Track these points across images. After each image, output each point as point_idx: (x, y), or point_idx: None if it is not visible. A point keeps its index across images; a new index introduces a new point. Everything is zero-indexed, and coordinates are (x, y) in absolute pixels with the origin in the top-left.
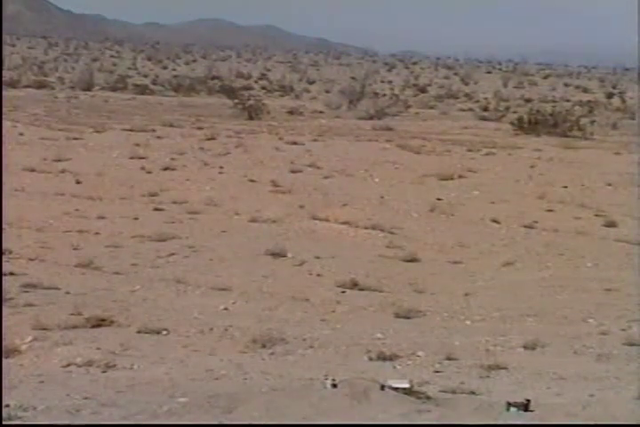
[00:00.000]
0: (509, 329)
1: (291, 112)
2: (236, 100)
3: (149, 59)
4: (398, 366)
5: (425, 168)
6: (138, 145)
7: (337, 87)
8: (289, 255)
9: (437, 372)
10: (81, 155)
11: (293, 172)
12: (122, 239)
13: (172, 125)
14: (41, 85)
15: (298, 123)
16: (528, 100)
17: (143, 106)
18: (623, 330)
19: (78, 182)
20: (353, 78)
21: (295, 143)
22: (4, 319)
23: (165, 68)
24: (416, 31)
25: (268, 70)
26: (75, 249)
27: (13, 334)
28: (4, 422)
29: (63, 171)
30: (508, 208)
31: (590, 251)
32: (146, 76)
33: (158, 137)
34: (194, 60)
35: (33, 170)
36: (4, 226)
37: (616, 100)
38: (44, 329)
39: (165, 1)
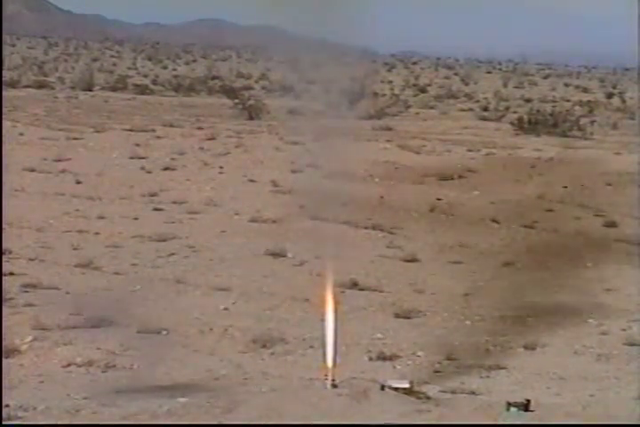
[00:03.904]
0: (509, 329)
1: (291, 112)
2: (237, 100)
3: (149, 59)
4: (398, 366)
5: (425, 168)
6: (138, 145)
7: (337, 87)
8: (289, 255)
9: (437, 372)
10: (81, 155)
11: (293, 172)
12: (122, 239)
13: (172, 125)
14: (41, 85)
15: (298, 123)
16: (528, 100)
17: (143, 106)
18: (623, 330)
19: (78, 182)
20: (353, 78)
21: (295, 143)
22: (4, 319)
23: (165, 68)
24: (416, 31)
25: (269, 70)
26: (75, 249)
27: (13, 334)
28: (4, 422)
29: (63, 171)
30: (507, 208)
31: (590, 251)
32: (146, 76)
33: (158, 137)
34: (194, 60)
35: (33, 170)
36: (4, 226)
37: (616, 100)
38: (44, 329)
39: (165, 1)
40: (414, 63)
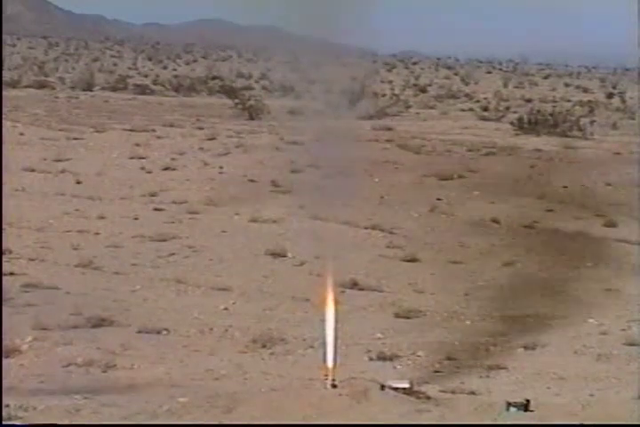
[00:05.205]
0: (509, 329)
1: (291, 112)
2: (237, 101)
3: (150, 59)
4: (398, 366)
5: (425, 168)
6: (138, 145)
7: (337, 87)
8: (289, 255)
9: (437, 372)
10: (81, 155)
11: (293, 172)
12: (122, 239)
13: (172, 125)
14: (41, 85)
15: (298, 123)
16: (528, 100)
17: (143, 106)
18: (623, 330)
19: (78, 182)
20: (353, 78)
21: (295, 143)
22: (4, 319)
23: (166, 68)
24: (416, 31)
25: (269, 70)
26: (75, 249)
27: (14, 334)
28: (4, 422)
29: (63, 171)
30: (507, 208)
31: (590, 251)
32: (146, 76)
33: (158, 137)
34: (194, 61)
35: (33, 170)
36: (4, 226)
37: (616, 101)
38: (45, 329)
39: (165, 1)
40: (414, 63)
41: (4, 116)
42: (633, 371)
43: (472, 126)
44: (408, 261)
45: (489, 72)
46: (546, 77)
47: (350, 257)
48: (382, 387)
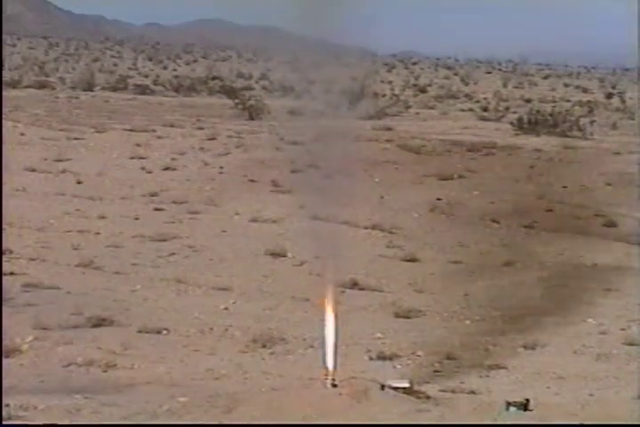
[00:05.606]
0: (509, 329)
1: (291, 112)
2: (237, 101)
3: (150, 59)
4: (398, 366)
5: (425, 168)
6: (138, 145)
7: (337, 87)
8: (289, 255)
9: (437, 371)
10: (82, 155)
11: (293, 172)
12: (122, 239)
13: (172, 126)
14: (42, 86)
15: (298, 123)
16: (528, 101)
17: (144, 106)
18: (623, 330)
19: (79, 182)
20: (353, 78)
21: (295, 143)
22: (4, 319)
23: (166, 68)
24: (416, 31)
25: (269, 70)
26: (75, 249)
27: (14, 334)
28: (4, 422)
29: (64, 171)
30: (507, 208)
31: (590, 251)
32: (146, 76)
33: (159, 137)
34: (194, 61)
35: (34, 170)
36: (4, 226)
37: (616, 101)
38: (45, 329)
39: (165, 1)
40: (414, 63)
41: (4, 116)
42: (632, 371)
43: (472, 126)
44: (408, 260)
45: (488, 72)
46: (545, 78)
47: (350, 257)
48: (382, 387)
